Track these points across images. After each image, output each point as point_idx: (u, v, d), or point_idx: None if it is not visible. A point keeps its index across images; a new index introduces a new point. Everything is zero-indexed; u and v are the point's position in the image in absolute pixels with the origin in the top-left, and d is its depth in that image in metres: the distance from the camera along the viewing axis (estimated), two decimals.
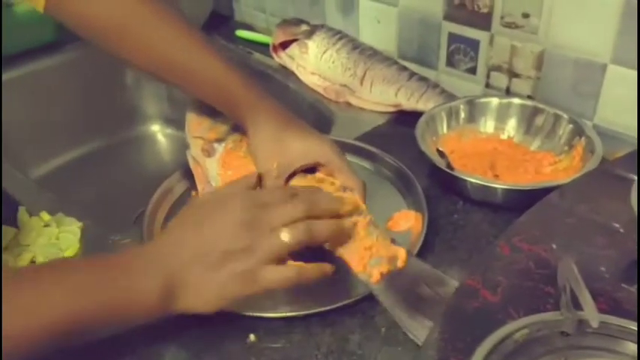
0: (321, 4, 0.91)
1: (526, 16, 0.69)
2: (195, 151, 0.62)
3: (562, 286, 0.38)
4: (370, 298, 0.48)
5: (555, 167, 0.63)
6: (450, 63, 0.79)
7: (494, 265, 0.43)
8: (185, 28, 0.57)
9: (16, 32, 0.85)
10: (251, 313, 0.48)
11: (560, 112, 0.66)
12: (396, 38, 0.84)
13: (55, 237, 0.57)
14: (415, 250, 0.53)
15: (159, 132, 1.01)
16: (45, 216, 0.59)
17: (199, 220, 0.46)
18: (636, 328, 0.36)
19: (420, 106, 0.74)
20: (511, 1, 0.69)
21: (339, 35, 0.83)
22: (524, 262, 0.43)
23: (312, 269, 0.46)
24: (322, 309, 0.48)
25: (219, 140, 0.61)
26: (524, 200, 0.50)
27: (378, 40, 0.84)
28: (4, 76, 0.84)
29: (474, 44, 0.75)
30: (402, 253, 0.49)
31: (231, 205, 0.46)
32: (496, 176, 0.63)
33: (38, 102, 0.89)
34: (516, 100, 0.69)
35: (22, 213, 0.59)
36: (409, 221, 0.58)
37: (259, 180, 0.54)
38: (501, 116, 0.69)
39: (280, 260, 0.45)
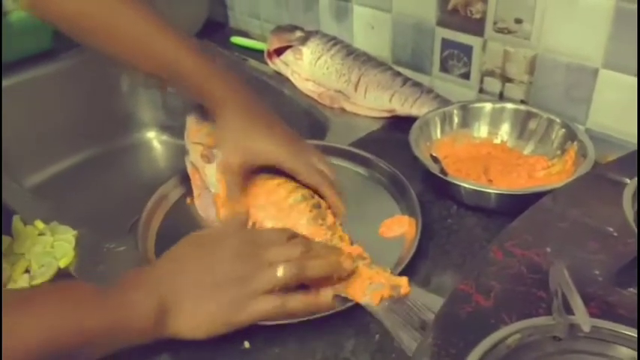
0: (315, 11, 0.92)
1: (519, 21, 0.69)
2: (194, 156, 0.62)
3: (554, 291, 0.38)
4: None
5: (548, 171, 0.63)
6: (444, 68, 0.79)
7: (487, 270, 0.43)
8: (160, 22, 0.59)
9: (12, 40, 0.85)
10: None
11: (552, 117, 0.66)
12: (389, 44, 0.84)
13: (49, 245, 0.57)
14: (409, 256, 0.53)
15: (154, 139, 1.01)
16: (39, 224, 0.59)
17: (198, 250, 0.48)
18: (628, 332, 0.36)
19: (414, 111, 0.74)
20: (504, 6, 0.70)
21: (333, 41, 0.83)
22: (517, 267, 0.43)
23: (296, 299, 0.46)
24: (317, 316, 0.48)
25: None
26: (517, 205, 0.50)
27: (372, 46, 0.85)
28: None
29: (467, 50, 0.76)
30: (404, 282, 0.49)
31: (230, 240, 0.48)
32: (490, 181, 0.63)
33: (34, 110, 0.89)
34: (509, 105, 0.69)
35: (16, 222, 0.59)
36: (403, 226, 0.58)
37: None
38: (495, 121, 0.69)
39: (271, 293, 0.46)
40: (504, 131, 0.69)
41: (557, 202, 0.50)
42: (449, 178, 0.60)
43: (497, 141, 0.69)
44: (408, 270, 0.52)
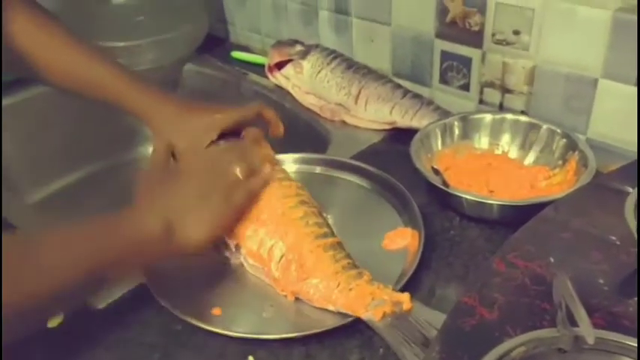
0: (315, 25, 0.93)
1: (517, 33, 0.70)
2: None
3: (557, 303, 0.38)
4: None
5: (550, 182, 0.63)
6: (444, 80, 0.80)
7: (490, 282, 0.43)
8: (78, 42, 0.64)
9: None
10: (250, 335, 0.48)
11: (553, 127, 0.66)
12: (389, 57, 0.85)
13: None
14: (412, 268, 0.53)
15: None
16: None
17: (177, 182, 0.54)
18: (633, 344, 0.36)
19: (414, 123, 0.74)
20: (502, 18, 0.70)
21: (333, 55, 0.84)
22: (520, 279, 0.43)
23: (255, 182, 0.56)
24: (321, 330, 0.48)
25: None
26: (519, 215, 0.51)
27: (372, 59, 0.85)
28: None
29: (466, 61, 0.76)
30: (405, 298, 0.49)
31: (194, 164, 0.58)
32: (491, 192, 0.63)
33: (35, 126, 0.90)
34: (509, 116, 0.69)
35: None
36: (406, 239, 0.58)
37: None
38: (495, 132, 0.70)
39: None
40: (505, 142, 0.69)
41: (559, 212, 0.50)
42: (451, 190, 0.60)
43: (499, 152, 0.69)
44: (412, 282, 0.52)
